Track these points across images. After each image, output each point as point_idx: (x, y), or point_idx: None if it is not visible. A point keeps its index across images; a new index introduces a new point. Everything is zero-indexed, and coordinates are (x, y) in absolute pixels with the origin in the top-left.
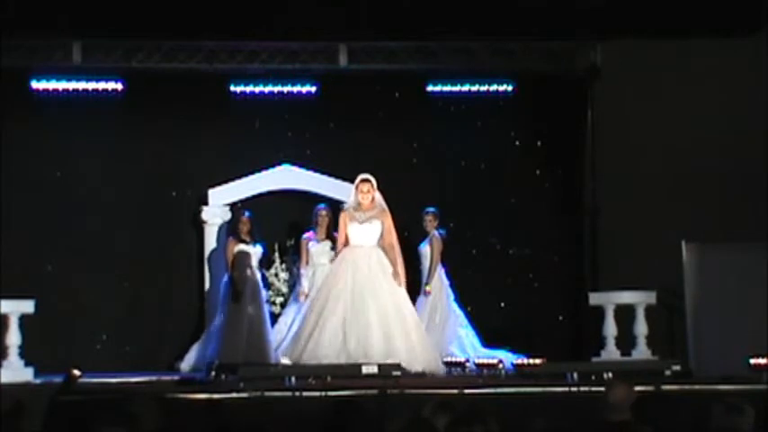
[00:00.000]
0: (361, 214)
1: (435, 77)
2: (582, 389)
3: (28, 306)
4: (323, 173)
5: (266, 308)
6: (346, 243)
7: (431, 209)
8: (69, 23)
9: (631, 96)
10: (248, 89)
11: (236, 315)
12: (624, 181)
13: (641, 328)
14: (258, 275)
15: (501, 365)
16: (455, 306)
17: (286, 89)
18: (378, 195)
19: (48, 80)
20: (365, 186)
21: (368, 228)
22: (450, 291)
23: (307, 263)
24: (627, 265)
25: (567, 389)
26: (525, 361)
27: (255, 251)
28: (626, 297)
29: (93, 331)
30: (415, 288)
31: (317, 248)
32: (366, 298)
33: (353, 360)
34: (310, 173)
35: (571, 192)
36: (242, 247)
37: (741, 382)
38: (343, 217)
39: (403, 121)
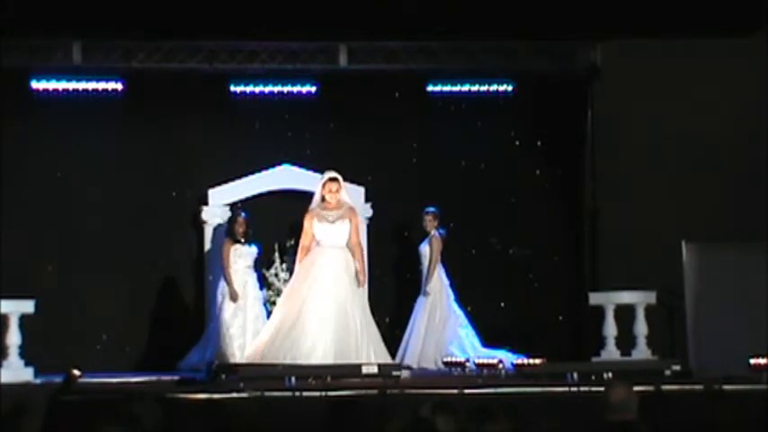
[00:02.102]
0: (329, 213)
1: (435, 77)
2: (582, 389)
3: (28, 306)
4: (323, 173)
5: (264, 308)
6: (310, 244)
7: (431, 209)
8: (69, 23)
9: (631, 96)
10: (248, 89)
11: (233, 315)
12: (624, 181)
13: (641, 328)
14: (255, 276)
15: (501, 365)
16: (455, 306)
17: (286, 89)
18: (344, 194)
19: (48, 80)
20: (333, 186)
21: (339, 227)
22: (450, 291)
23: None
24: (627, 265)
25: (566, 389)
26: (525, 361)
27: (251, 251)
28: (626, 297)
29: (93, 331)
30: (415, 288)
31: None
32: (348, 304)
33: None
34: (310, 173)
35: (571, 192)
36: (238, 247)
37: (741, 382)
38: (308, 217)
39: (403, 121)
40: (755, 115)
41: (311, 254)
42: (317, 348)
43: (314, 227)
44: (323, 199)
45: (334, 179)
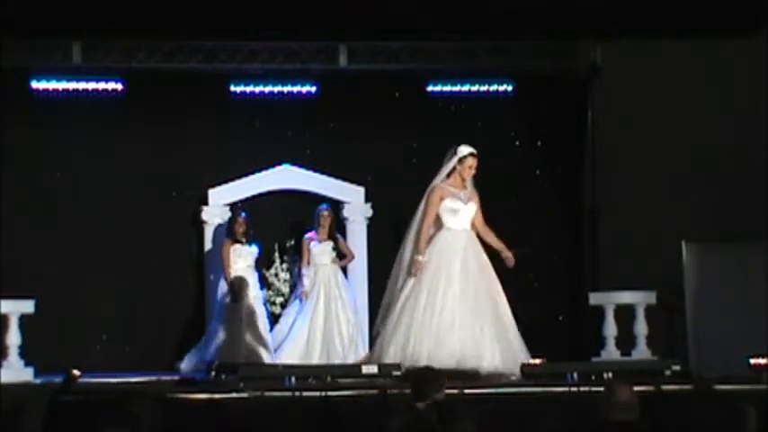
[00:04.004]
0: (460, 192)
1: (435, 77)
2: (582, 389)
3: (28, 306)
4: (323, 173)
5: (264, 308)
6: (434, 224)
7: None
8: (69, 23)
9: (631, 96)
10: (248, 89)
11: (233, 315)
12: (624, 181)
13: (641, 328)
14: (255, 275)
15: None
16: None
17: (286, 89)
18: None
19: (48, 80)
20: (474, 162)
21: (471, 208)
22: None
23: (308, 263)
24: (627, 265)
25: (566, 389)
26: (525, 361)
27: (251, 251)
28: (626, 297)
29: (93, 331)
30: None
31: (318, 248)
32: (481, 294)
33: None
34: (310, 173)
35: (571, 192)
36: (238, 247)
37: (741, 382)
38: (437, 193)
39: (403, 121)
40: (755, 115)
41: (443, 237)
42: (488, 351)
43: (445, 205)
44: (450, 175)
45: (475, 155)
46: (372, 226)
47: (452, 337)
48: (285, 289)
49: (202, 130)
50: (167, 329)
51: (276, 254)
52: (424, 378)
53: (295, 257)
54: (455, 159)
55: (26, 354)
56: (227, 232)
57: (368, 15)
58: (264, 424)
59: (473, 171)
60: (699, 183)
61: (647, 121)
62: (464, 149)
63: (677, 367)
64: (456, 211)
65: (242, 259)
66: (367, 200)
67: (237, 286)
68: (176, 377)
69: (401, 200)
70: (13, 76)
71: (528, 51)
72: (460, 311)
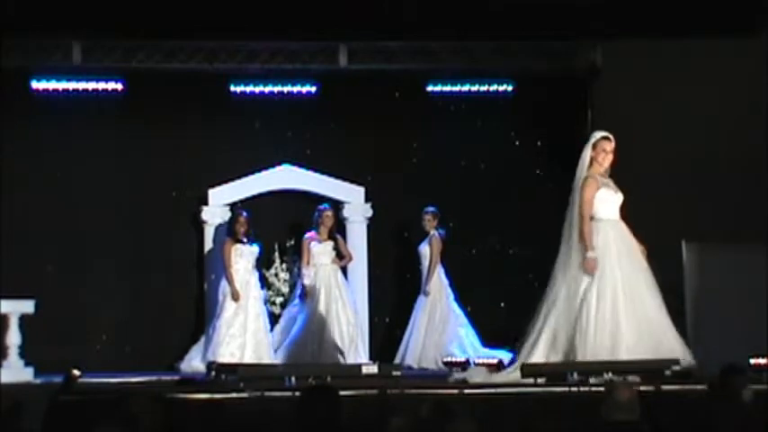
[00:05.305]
0: (608, 181)
1: (435, 77)
2: (582, 389)
3: (28, 306)
4: (323, 173)
5: (265, 308)
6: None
7: (431, 208)
8: (69, 23)
9: (631, 96)
10: (248, 89)
11: (234, 314)
12: (624, 181)
13: None
14: (256, 275)
15: (501, 365)
16: (455, 306)
17: (286, 89)
18: None
19: (48, 80)
20: (609, 145)
21: (619, 197)
22: (449, 291)
23: (308, 263)
24: None
25: (567, 389)
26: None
27: (252, 251)
28: None
29: (93, 331)
30: (415, 288)
31: (318, 248)
32: (641, 287)
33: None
34: (310, 173)
35: (571, 192)
36: (239, 246)
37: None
38: (591, 183)
39: (403, 121)
40: (755, 115)
41: (605, 230)
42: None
43: (599, 195)
44: (591, 163)
45: (609, 138)
46: (372, 226)
47: (666, 340)
48: (285, 289)
49: (202, 130)
50: (167, 329)
51: (276, 254)
52: (735, 374)
53: (295, 257)
54: (589, 146)
55: (26, 354)
56: (229, 232)
57: (368, 15)
58: (264, 424)
59: (611, 156)
60: (699, 183)
61: (647, 121)
62: (597, 134)
63: (677, 367)
64: (609, 201)
65: (243, 259)
66: (367, 200)
67: (237, 286)
68: (176, 377)
69: (401, 200)
70: (13, 76)
71: (528, 51)
72: (663, 310)
